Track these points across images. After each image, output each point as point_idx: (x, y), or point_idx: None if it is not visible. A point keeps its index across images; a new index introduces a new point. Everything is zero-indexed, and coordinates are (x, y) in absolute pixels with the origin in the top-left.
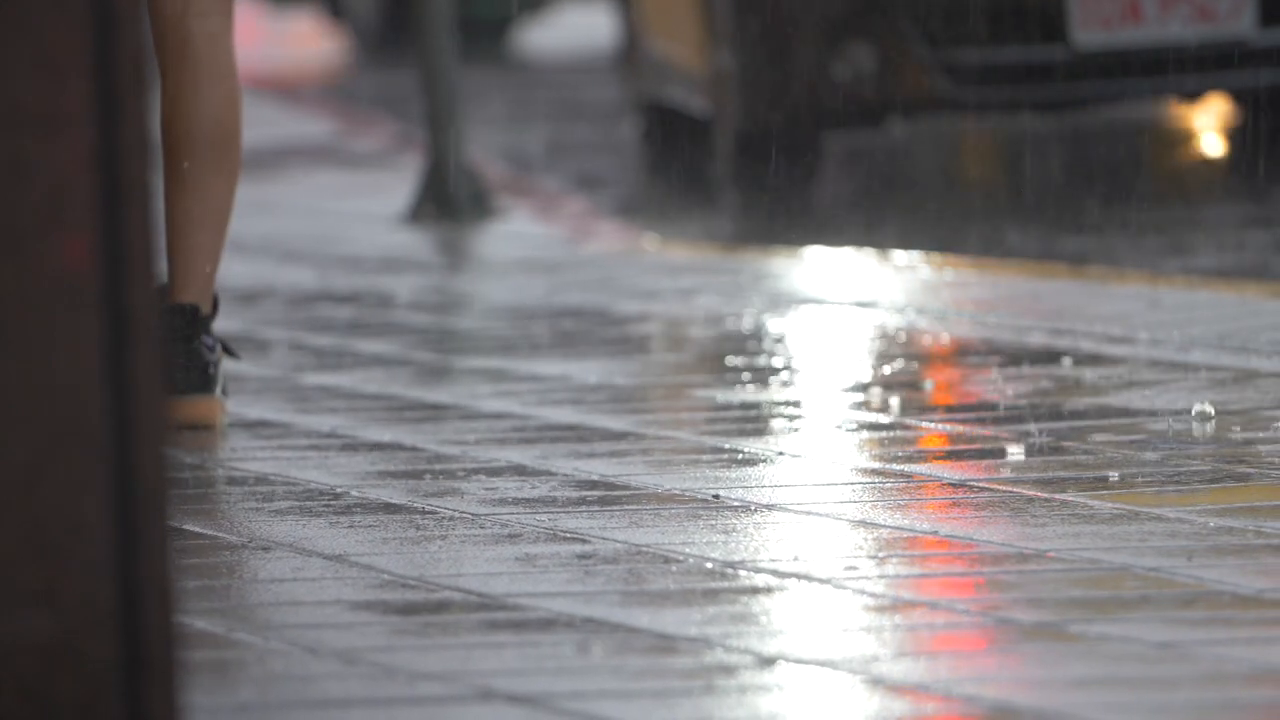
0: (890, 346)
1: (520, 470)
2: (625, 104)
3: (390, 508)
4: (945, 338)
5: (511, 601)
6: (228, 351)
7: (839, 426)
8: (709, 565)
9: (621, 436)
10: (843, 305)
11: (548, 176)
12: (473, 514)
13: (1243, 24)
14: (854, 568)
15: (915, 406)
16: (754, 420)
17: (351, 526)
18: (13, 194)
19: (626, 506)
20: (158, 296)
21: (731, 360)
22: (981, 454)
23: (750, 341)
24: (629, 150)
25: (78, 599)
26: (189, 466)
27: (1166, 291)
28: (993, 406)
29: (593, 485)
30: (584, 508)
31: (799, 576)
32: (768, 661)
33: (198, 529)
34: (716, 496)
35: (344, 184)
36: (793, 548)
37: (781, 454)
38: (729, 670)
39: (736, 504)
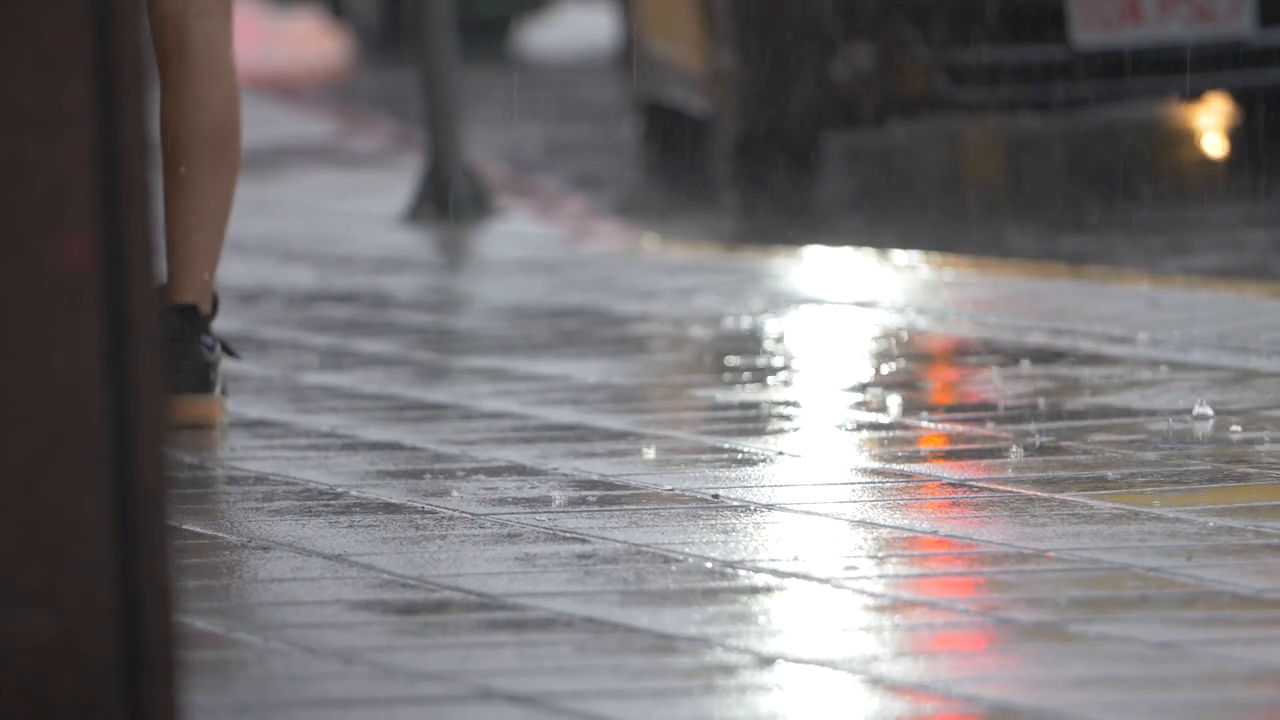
0: (890, 346)
1: (520, 470)
2: (625, 104)
3: (390, 507)
4: (945, 338)
5: (511, 601)
6: (227, 351)
7: (839, 426)
8: (708, 565)
9: (621, 436)
10: (843, 305)
11: (548, 176)
12: (472, 514)
13: (1242, 24)
14: (854, 567)
15: (915, 406)
16: (753, 420)
17: (351, 526)
18: (13, 194)
19: (626, 506)
20: (158, 296)
21: (731, 360)
22: (981, 454)
23: (750, 341)
24: (629, 150)
25: (78, 599)
26: (189, 466)
27: (1166, 291)
28: (993, 406)
29: (592, 485)
30: (583, 507)
31: (799, 576)
32: (767, 661)
33: (197, 529)
34: (716, 496)
35: (344, 184)
36: (792, 547)
37: (781, 454)
38: (728, 670)
39: (736, 504)
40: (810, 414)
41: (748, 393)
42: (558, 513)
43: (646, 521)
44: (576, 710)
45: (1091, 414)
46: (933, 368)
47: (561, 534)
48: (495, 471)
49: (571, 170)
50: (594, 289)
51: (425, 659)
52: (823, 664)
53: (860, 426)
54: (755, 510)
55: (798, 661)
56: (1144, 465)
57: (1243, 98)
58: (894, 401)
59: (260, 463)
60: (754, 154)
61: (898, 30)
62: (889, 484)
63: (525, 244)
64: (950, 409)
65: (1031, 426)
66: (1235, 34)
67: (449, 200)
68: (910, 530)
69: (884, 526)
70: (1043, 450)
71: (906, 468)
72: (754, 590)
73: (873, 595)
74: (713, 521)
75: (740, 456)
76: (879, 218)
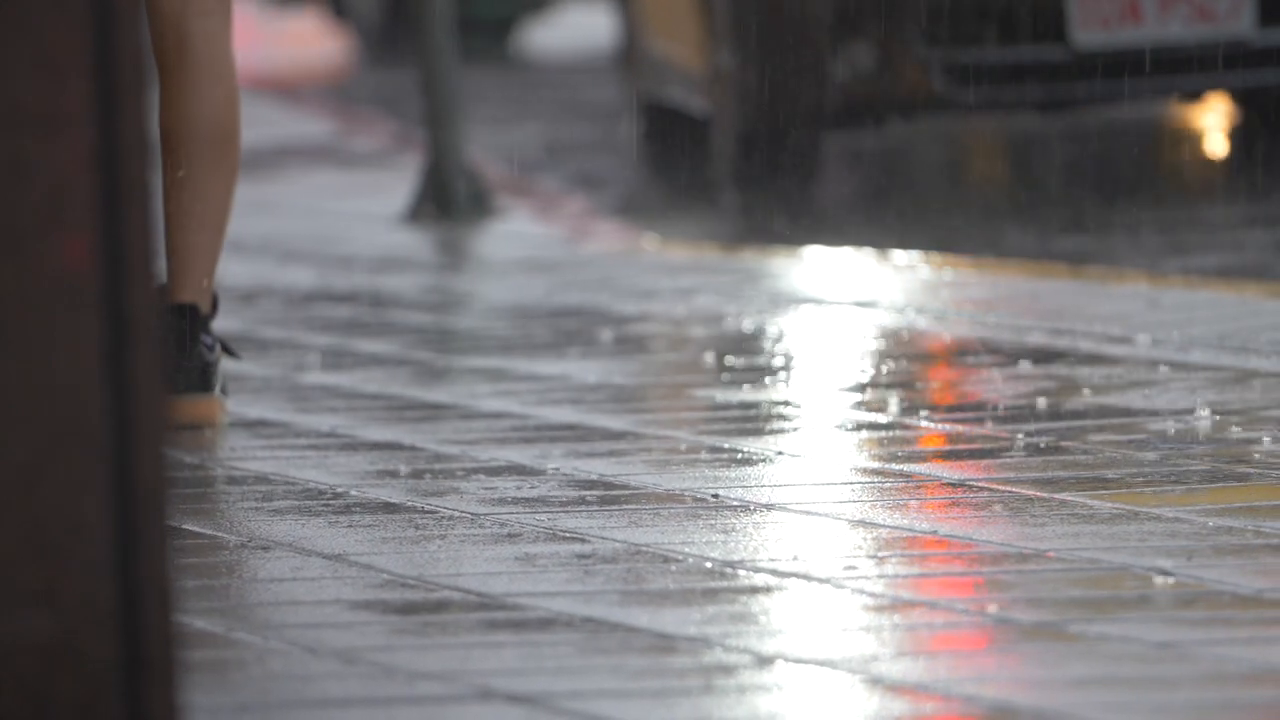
0: (890, 346)
1: (519, 470)
2: (625, 104)
3: (389, 507)
4: (945, 337)
5: (511, 601)
6: (227, 351)
7: (839, 426)
8: (708, 565)
9: (621, 436)
10: (842, 305)
11: (547, 176)
12: (472, 513)
13: (1242, 24)
14: (853, 567)
15: (915, 406)
16: (753, 420)
17: (351, 526)
18: (13, 194)
19: (626, 506)
20: (158, 296)
21: (731, 360)
22: (981, 454)
23: (750, 341)
24: (629, 150)
25: (78, 599)
26: (189, 466)
27: (1166, 291)
28: (992, 406)
29: (592, 485)
30: (583, 507)
31: (798, 576)
32: (767, 661)
33: (197, 528)
34: (716, 496)
35: (343, 184)
36: (792, 547)
37: (781, 454)
38: (728, 670)
39: (736, 504)
40: (810, 414)
41: (748, 393)
42: (557, 512)
43: (646, 521)
44: (576, 710)
45: (1091, 414)
46: (932, 368)
47: (561, 534)
48: (495, 471)
49: (571, 170)
50: (594, 289)
51: (425, 659)
52: (822, 664)
53: (860, 426)
54: (755, 510)
55: (797, 661)
56: (1144, 465)
57: (1243, 98)
58: (894, 401)
59: (260, 463)
60: (754, 154)
61: (898, 30)
62: (889, 484)
63: (525, 244)
64: (950, 409)
65: (1031, 426)
66: (1235, 34)
67: (449, 200)
68: (910, 530)
69: (884, 526)
70: (1043, 450)
71: (906, 468)
72: (754, 590)
73: (872, 595)
74: (712, 521)
75: (740, 456)
76: (879, 218)
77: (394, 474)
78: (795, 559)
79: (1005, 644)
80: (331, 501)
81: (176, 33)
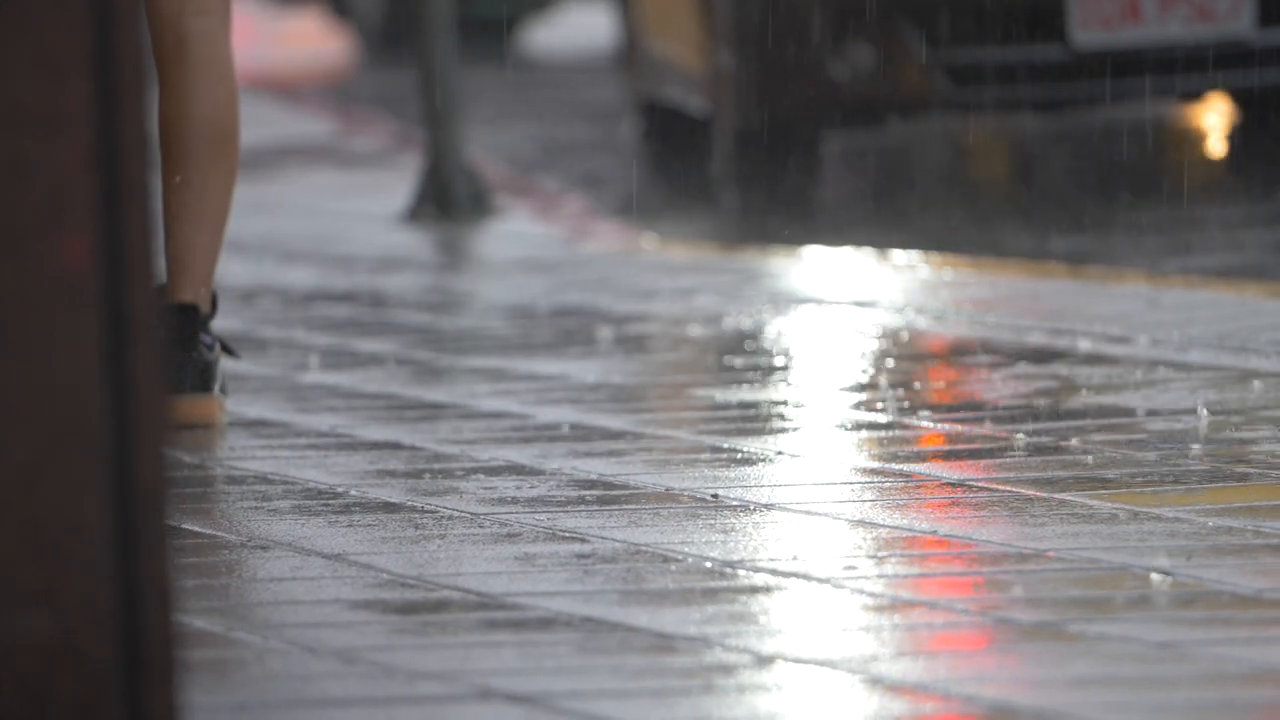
0: (890, 346)
1: (519, 469)
2: (625, 104)
3: (389, 507)
4: (945, 337)
5: (510, 601)
6: (227, 350)
7: (838, 426)
8: (708, 564)
9: (620, 436)
10: (842, 305)
11: (547, 176)
12: (471, 513)
13: (1242, 24)
14: (853, 567)
15: (915, 406)
16: (753, 420)
17: (350, 525)
18: (13, 194)
19: (625, 506)
20: (158, 296)
21: (730, 360)
22: (981, 454)
23: (749, 341)
24: (629, 150)
25: (78, 599)
26: (188, 466)
27: (1166, 291)
28: (992, 406)
29: (591, 484)
30: (583, 507)
31: (798, 576)
32: (766, 661)
33: (197, 528)
34: (715, 496)
35: (343, 184)
36: (791, 547)
37: (780, 453)
38: (728, 669)
39: (735, 503)
40: (810, 414)
41: (747, 393)
42: (557, 512)
43: (646, 521)
44: (576, 710)
45: (1091, 414)
46: (932, 368)
47: (561, 533)
48: (494, 471)
49: (571, 170)
50: (593, 289)
51: (424, 658)
52: (822, 664)
53: (860, 426)
54: (754, 510)
55: (797, 661)
56: (1144, 465)
57: (1243, 98)
58: (894, 401)
59: (260, 462)
60: (753, 154)
61: (898, 30)
62: (888, 484)
63: (525, 244)
64: (950, 409)
65: (1031, 426)
66: (1235, 34)
67: (449, 200)
68: (910, 530)
69: (883, 526)
70: (1043, 450)
71: (906, 468)
72: (753, 590)
73: (872, 595)
74: (712, 521)
75: (740, 456)
76: (878, 217)
77: (393, 474)
78: (795, 559)
79: (1005, 644)
80: (331, 501)
81: (175, 32)
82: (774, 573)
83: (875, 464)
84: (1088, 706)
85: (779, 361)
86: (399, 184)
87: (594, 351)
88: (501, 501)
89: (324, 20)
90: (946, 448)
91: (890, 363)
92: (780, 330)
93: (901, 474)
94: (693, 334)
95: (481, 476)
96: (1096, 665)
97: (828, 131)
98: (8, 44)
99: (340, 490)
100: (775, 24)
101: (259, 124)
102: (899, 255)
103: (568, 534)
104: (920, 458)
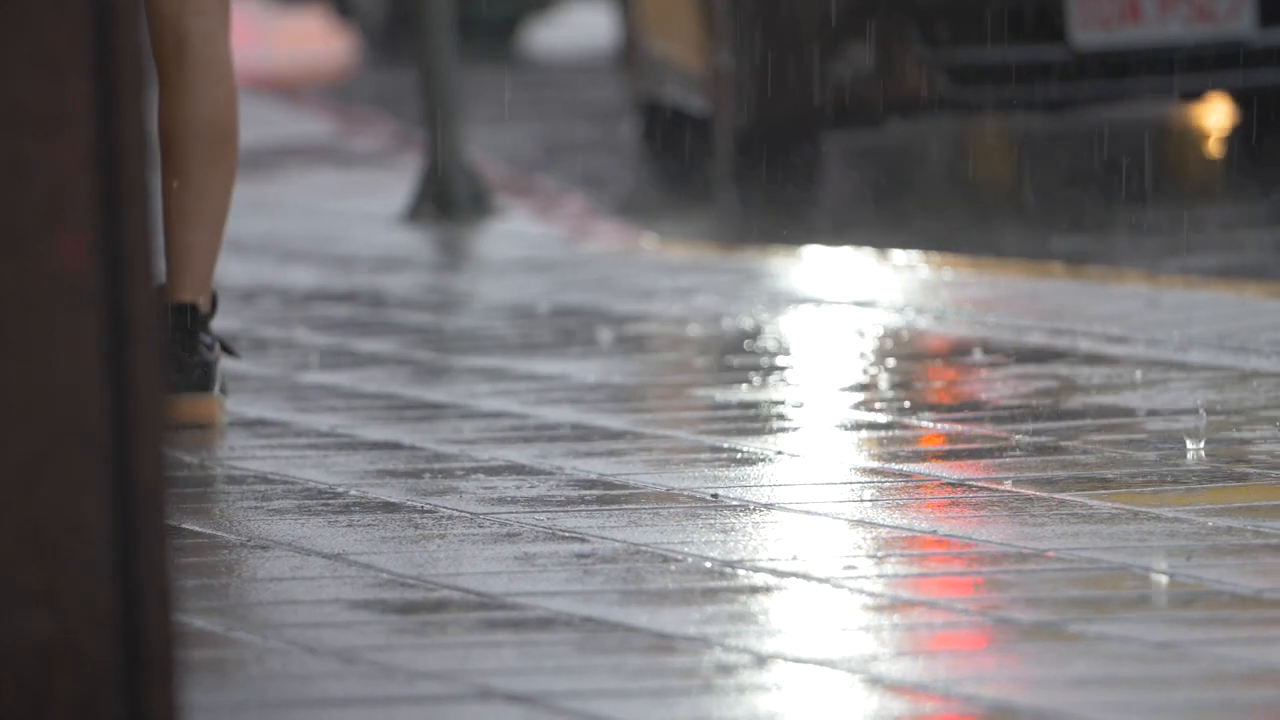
0: (890, 346)
1: (519, 469)
2: (625, 104)
3: (389, 507)
4: (945, 337)
5: (510, 600)
6: (227, 350)
7: (838, 426)
8: (707, 564)
9: (620, 436)
10: (842, 305)
11: (547, 176)
12: (471, 513)
13: (1242, 24)
14: (853, 567)
15: (915, 406)
16: (752, 419)
17: (350, 525)
18: (13, 194)
19: (625, 506)
20: (158, 296)
21: (730, 360)
22: (981, 454)
23: (749, 341)
24: (629, 150)
25: (78, 599)
26: (188, 466)
27: (1166, 291)
28: (992, 406)
29: (591, 484)
30: (582, 507)
31: (797, 576)
32: (766, 660)
33: (197, 528)
34: (715, 496)
35: (343, 183)
36: (791, 547)
37: (780, 453)
38: (727, 669)
39: (735, 503)
40: (810, 414)
41: (747, 392)
42: (556, 512)
43: (645, 521)
44: (576, 710)
45: (1091, 414)
46: (932, 367)
47: (560, 533)
48: (494, 471)
49: (571, 170)
50: (593, 289)
51: (424, 658)
52: (821, 663)
53: (860, 426)
54: (754, 510)
55: (796, 661)
56: (1144, 465)
57: (1243, 98)
58: (894, 401)
59: (259, 462)
60: (753, 154)
61: (898, 30)
62: (888, 484)
63: (525, 244)
64: (950, 409)
65: (1031, 426)
66: (1235, 34)
67: (449, 200)
68: (909, 530)
69: (883, 526)
70: (1043, 450)
71: (906, 468)
72: (753, 590)
73: (872, 595)
74: (712, 521)
75: (739, 456)
76: (878, 217)
77: (393, 474)
78: (795, 559)
79: (1005, 644)
80: (331, 501)
81: (174, 32)
82: (774, 573)
83: (875, 464)
84: (1087, 706)
85: (779, 361)
86: (399, 184)
87: (594, 351)
88: (501, 501)
89: (326, 20)
90: (946, 448)
91: (890, 363)
92: (780, 330)
93: (901, 474)
94: (692, 334)
95: (481, 476)
96: (1096, 665)
97: (828, 131)
98: (8, 44)
99: (340, 490)
100: (775, 24)
101: (259, 124)
102: (899, 255)
103: (567, 534)
104: (920, 458)
